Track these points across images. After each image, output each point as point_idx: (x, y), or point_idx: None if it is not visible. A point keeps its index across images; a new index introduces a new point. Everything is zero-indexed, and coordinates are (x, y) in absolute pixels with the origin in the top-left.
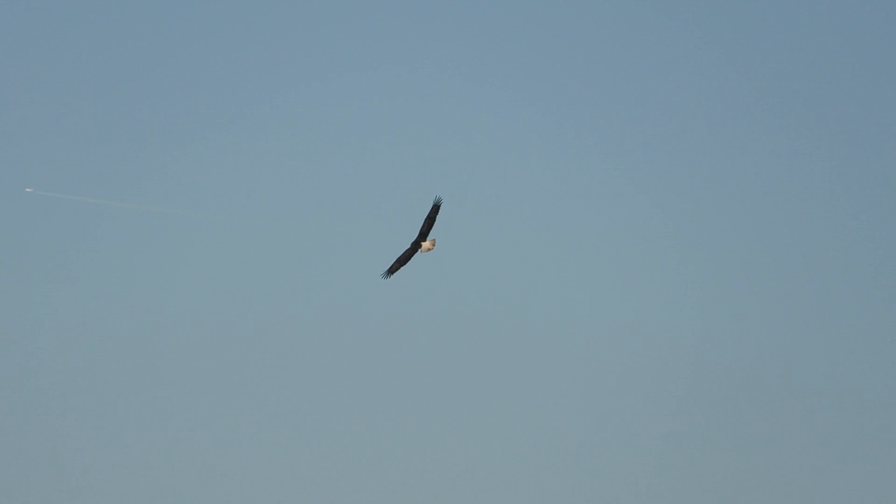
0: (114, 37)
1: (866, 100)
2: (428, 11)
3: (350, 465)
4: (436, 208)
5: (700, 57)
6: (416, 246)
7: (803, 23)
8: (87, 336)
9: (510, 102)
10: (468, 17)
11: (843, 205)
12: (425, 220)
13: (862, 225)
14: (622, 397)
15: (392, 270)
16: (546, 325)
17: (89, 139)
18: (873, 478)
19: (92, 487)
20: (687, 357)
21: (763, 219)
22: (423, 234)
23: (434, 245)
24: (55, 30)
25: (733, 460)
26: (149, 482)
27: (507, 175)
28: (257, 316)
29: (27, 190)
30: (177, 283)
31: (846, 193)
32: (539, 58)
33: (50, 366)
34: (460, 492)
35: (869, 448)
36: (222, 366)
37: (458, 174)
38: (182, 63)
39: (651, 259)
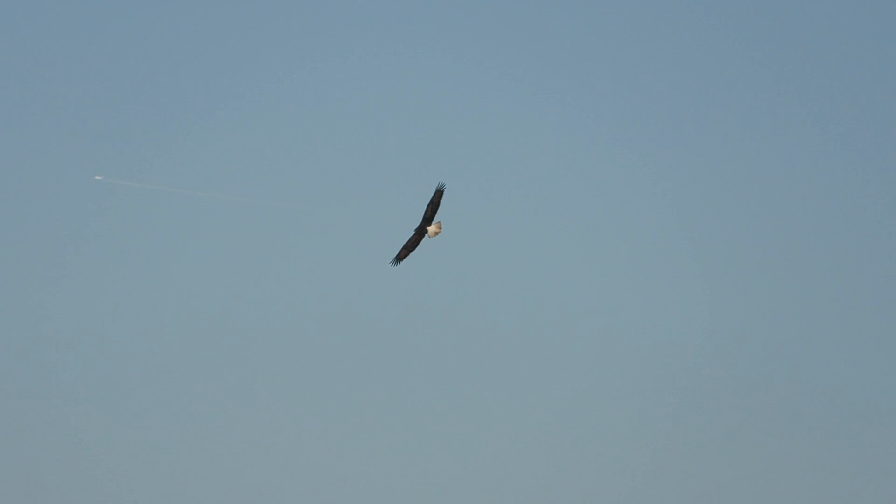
0: (182, 25)
1: (885, 96)
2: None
3: (353, 458)
4: (439, 193)
5: (717, 49)
6: (421, 231)
7: (825, 16)
8: (158, 321)
9: (525, 92)
10: (486, 4)
11: (856, 201)
12: (428, 205)
13: (877, 223)
14: (631, 392)
15: (400, 258)
16: (554, 319)
17: (158, 127)
18: (883, 477)
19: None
20: (696, 353)
21: (776, 215)
22: (428, 220)
23: (440, 228)
24: (124, 17)
25: (741, 458)
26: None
27: (517, 166)
28: (276, 304)
29: (96, 178)
30: (243, 269)
31: (860, 190)
32: (553, 46)
33: (120, 351)
34: (466, 487)
35: (880, 448)
36: (237, 355)
37: (468, 165)
38: (231, 57)
39: (662, 253)
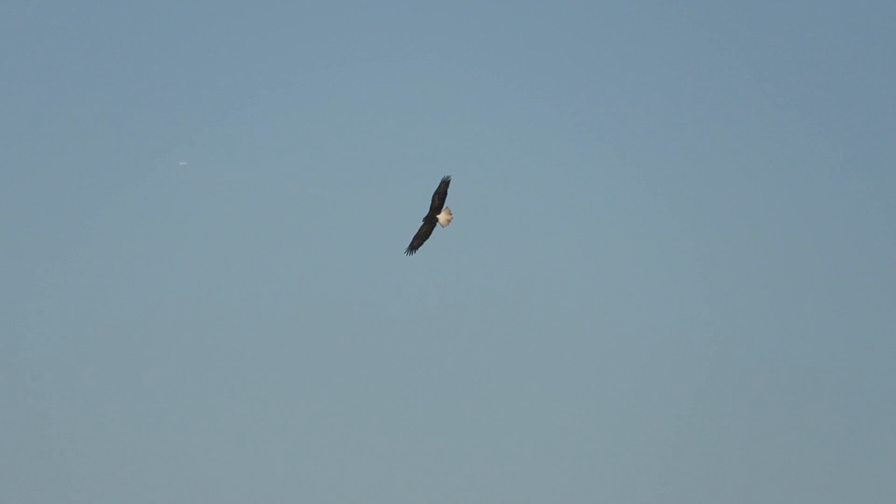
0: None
1: (884, 97)
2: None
3: (355, 454)
4: (445, 183)
5: (720, 52)
6: (432, 220)
7: (822, 19)
8: (241, 307)
9: (531, 97)
10: (496, 7)
11: (862, 203)
12: (434, 195)
13: (881, 224)
14: (635, 394)
15: (414, 247)
16: (557, 322)
17: (244, 113)
18: (887, 478)
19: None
20: (701, 357)
21: (780, 217)
22: (436, 209)
23: (451, 214)
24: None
25: (747, 462)
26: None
27: (520, 169)
28: (293, 297)
29: (181, 163)
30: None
31: (865, 192)
32: (556, 51)
33: (203, 338)
34: (467, 489)
35: (888, 450)
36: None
37: (471, 164)
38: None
39: (666, 256)
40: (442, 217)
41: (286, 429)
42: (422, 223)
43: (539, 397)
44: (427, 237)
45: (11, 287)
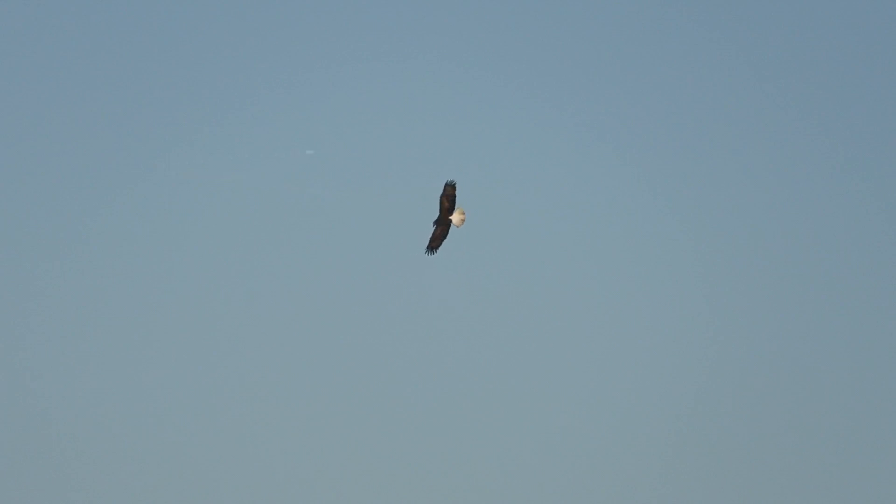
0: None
1: (884, 97)
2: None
3: (354, 456)
4: (451, 187)
5: (720, 52)
6: (445, 222)
7: (822, 19)
8: (241, 307)
9: (531, 97)
10: (496, 7)
11: (862, 203)
12: (442, 197)
13: (881, 224)
14: (635, 394)
15: (434, 247)
16: (556, 322)
17: (244, 113)
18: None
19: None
20: (701, 357)
21: (780, 217)
22: (448, 211)
23: (464, 213)
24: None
25: (747, 462)
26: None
27: (520, 169)
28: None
29: (308, 152)
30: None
31: (865, 192)
32: (556, 51)
33: (203, 338)
34: (467, 489)
35: (888, 450)
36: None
37: (471, 166)
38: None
39: (666, 256)
40: (455, 217)
41: (286, 429)
42: (433, 227)
43: (539, 397)
44: (444, 237)
45: (11, 287)
